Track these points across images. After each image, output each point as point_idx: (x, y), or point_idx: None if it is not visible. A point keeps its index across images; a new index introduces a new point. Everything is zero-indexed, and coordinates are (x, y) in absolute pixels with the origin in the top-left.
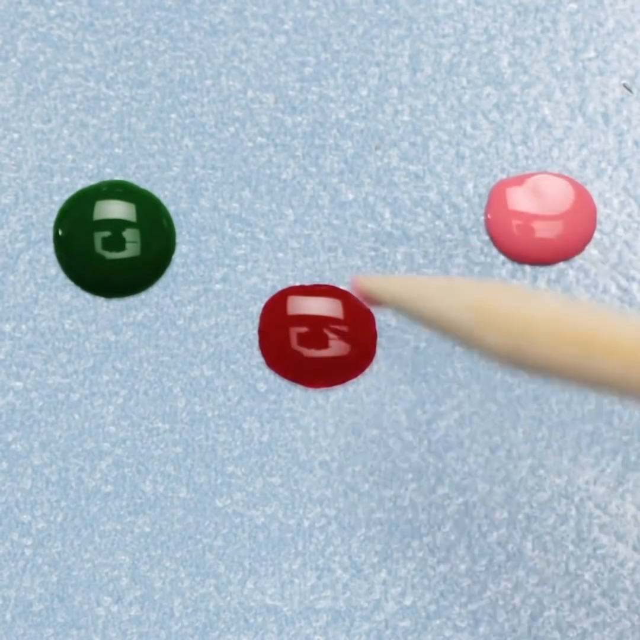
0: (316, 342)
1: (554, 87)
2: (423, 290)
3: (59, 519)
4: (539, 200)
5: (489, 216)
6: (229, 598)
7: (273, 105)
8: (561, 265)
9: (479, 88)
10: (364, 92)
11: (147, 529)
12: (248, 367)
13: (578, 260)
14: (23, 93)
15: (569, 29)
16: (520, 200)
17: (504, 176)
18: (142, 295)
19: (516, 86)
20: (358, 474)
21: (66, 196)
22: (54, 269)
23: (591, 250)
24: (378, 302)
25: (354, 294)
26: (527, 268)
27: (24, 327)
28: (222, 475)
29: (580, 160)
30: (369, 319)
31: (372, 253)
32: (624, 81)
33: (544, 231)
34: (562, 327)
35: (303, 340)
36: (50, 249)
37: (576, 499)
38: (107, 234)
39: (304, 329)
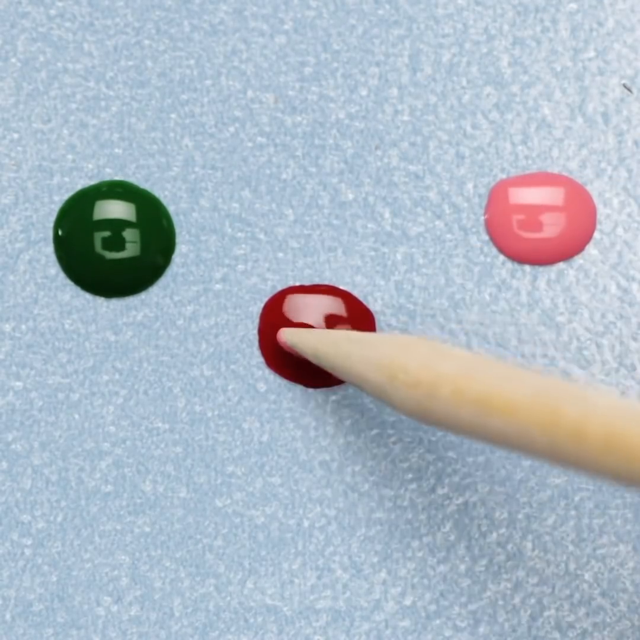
0: None
1: (554, 87)
2: (340, 345)
3: (59, 519)
4: (540, 195)
5: (488, 216)
6: (229, 598)
7: (273, 105)
8: (561, 265)
9: (479, 88)
10: (364, 92)
11: (147, 529)
12: (248, 367)
13: (578, 260)
14: (23, 93)
15: (569, 29)
16: (520, 195)
17: (504, 176)
18: (142, 295)
19: (516, 86)
20: (358, 474)
21: (66, 196)
22: (54, 269)
23: (591, 250)
24: (300, 355)
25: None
26: (527, 268)
27: (24, 327)
28: (222, 475)
29: (580, 160)
30: (369, 319)
31: (372, 253)
32: (624, 81)
33: (546, 225)
34: (463, 385)
35: None
36: (50, 249)
37: (576, 498)
38: (107, 234)
39: None
